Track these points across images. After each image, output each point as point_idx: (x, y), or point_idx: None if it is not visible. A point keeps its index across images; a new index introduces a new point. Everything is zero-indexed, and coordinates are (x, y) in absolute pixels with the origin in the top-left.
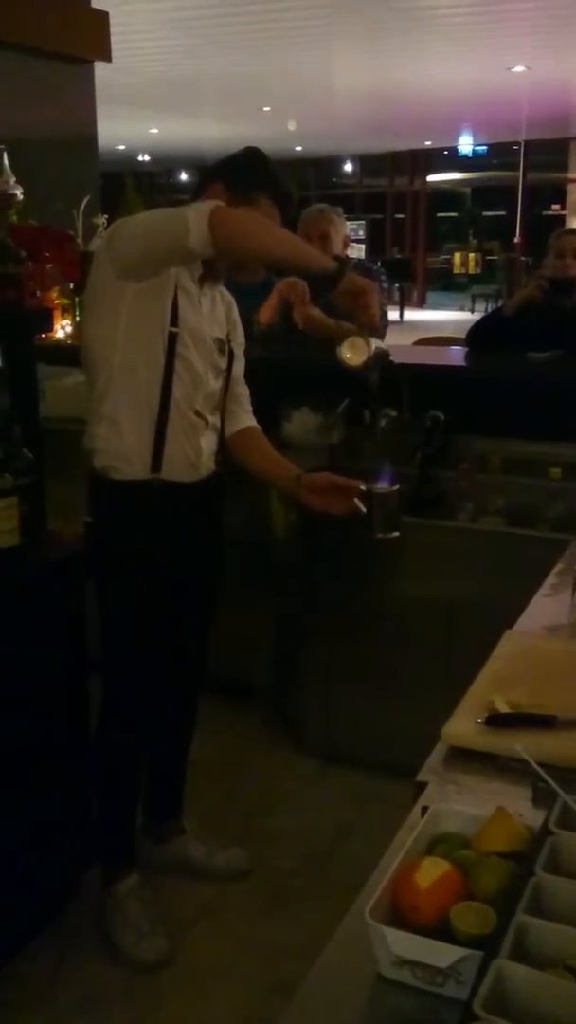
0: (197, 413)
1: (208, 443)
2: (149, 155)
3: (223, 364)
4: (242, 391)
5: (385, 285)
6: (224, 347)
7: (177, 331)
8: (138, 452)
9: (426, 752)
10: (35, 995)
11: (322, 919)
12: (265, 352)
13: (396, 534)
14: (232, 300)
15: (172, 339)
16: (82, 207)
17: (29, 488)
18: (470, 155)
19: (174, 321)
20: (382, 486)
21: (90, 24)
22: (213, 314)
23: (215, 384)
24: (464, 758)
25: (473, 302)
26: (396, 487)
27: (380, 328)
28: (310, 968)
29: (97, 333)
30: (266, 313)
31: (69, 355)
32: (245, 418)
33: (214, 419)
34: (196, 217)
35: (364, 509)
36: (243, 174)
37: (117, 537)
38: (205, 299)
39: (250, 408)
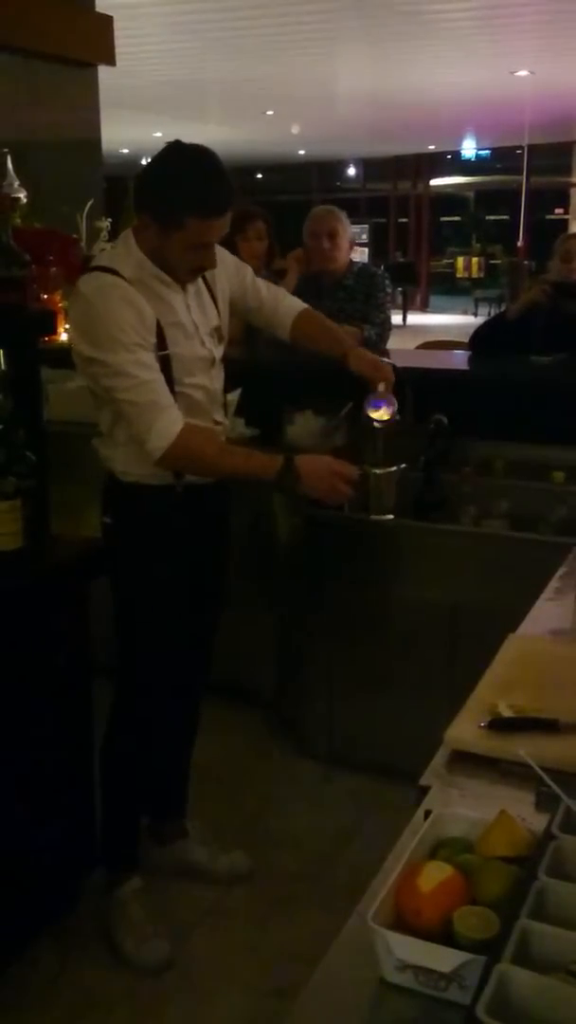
0: (216, 422)
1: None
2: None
3: (219, 353)
4: (273, 290)
5: (388, 289)
6: (221, 333)
7: (168, 354)
8: (162, 471)
9: (429, 756)
10: (36, 998)
11: (324, 923)
12: (268, 355)
13: (390, 517)
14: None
15: (167, 363)
16: (86, 210)
17: (32, 491)
18: (473, 159)
19: (163, 346)
20: (377, 411)
21: (94, 28)
22: (202, 308)
23: (220, 382)
24: (467, 762)
25: (476, 306)
26: (395, 470)
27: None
28: (312, 972)
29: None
30: None
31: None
32: (294, 304)
33: (224, 419)
34: (156, 440)
35: (360, 492)
36: (166, 199)
37: (140, 537)
38: (192, 300)
39: (288, 292)
